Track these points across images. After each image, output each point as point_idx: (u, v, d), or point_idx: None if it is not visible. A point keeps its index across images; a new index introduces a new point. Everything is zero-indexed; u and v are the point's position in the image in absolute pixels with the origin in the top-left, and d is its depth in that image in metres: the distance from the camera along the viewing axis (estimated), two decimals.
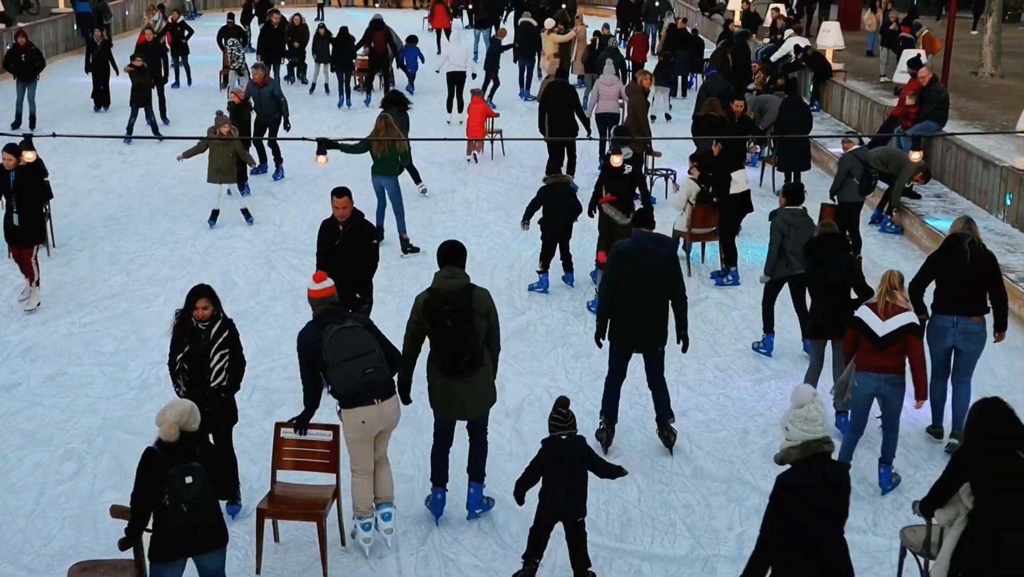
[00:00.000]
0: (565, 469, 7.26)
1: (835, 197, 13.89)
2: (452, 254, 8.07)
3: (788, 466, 5.99)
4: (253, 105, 17.43)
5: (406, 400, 8.16)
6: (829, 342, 9.80)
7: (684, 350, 9.28)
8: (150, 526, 6.54)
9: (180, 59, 25.32)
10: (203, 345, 7.89)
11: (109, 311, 12.37)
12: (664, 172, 16.84)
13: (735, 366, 11.10)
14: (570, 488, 7.27)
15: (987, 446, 6.15)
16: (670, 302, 9.06)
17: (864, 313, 8.57)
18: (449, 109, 21.99)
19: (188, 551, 6.50)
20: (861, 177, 13.65)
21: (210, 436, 7.97)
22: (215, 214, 15.24)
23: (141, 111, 19.62)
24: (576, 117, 16.96)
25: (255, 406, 9.73)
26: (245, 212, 15.47)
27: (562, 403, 7.40)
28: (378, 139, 13.74)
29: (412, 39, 24.61)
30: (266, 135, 17.38)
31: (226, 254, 14.25)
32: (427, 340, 8.04)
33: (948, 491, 6.33)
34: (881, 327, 8.44)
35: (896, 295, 8.53)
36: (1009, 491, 6.03)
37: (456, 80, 21.80)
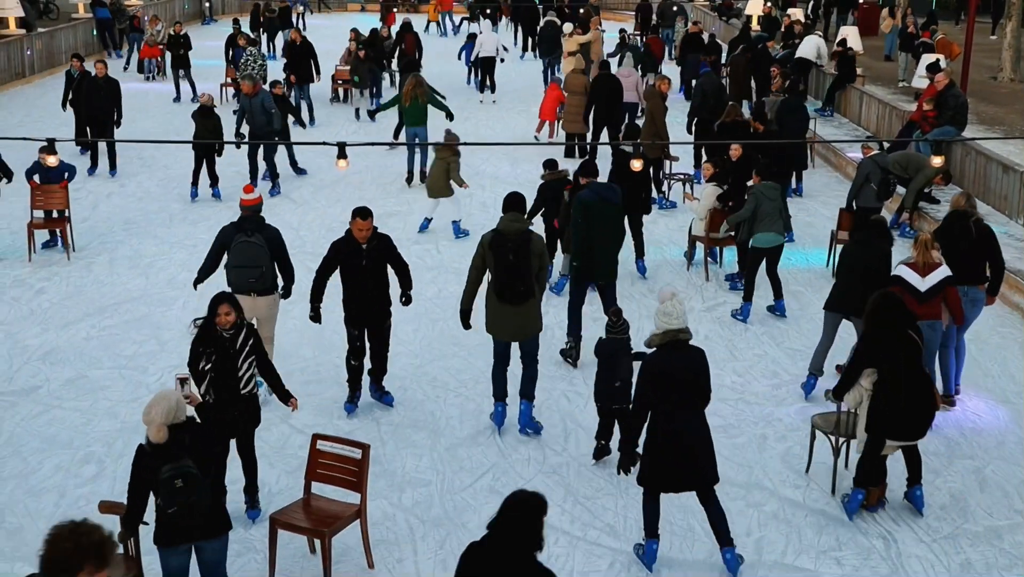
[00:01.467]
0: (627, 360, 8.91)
1: (854, 203, 13.85)
2: (515, 203, 9.63)
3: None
4: (246, 116, 16.87)
5: (466, 324, 9.77)
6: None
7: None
8: (147, 518, 6.60)
9: (182, 73, 24.29)
10: (230, 353, 7.91)
11: (128, 315, 12.42)
12: (682, 176, 16.84)
13: (753, 371, 11.07)
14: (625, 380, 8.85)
15: (888, 327, 8.05)
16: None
17: (904, 272, 9.56)
18: (481, 90, 25.18)
19: (189, 538, 6.54)
20: (879, 183, 13.61)
21: (232, 441, 8.07)
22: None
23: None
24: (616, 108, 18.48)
25: (272, 410, 9.75)
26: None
27: (615, 312, 9.11)
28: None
29: (471, 35, 27.94)
30: (259, 149, 16.98)
31: None
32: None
33: (854, 376, 8.14)
34: (922, 283, 9.50)
35: (932, 254, 9.60)
36: (907, 360, 7.99)
37: (487, 65, 24.95)
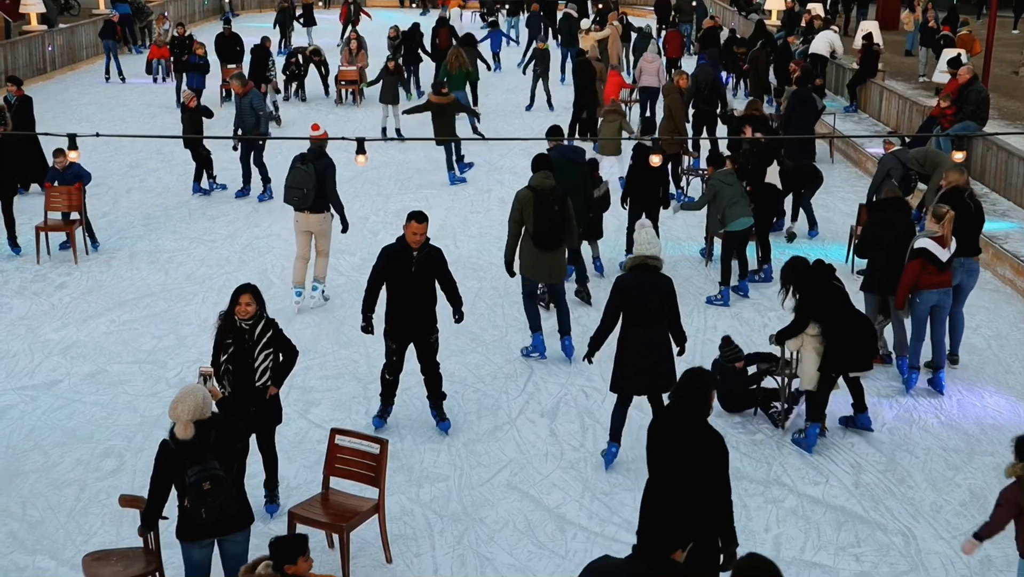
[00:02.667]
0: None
1: (874, 198, 13.77)
2: (543, 163, 11.03)
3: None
4: (238, 116, 16.44)
5: (511, 272, 11.08)
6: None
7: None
8: (166, 513, 6.65)
9: (185, 77, 22.36)
10: (247, 345, 7.93)
11: (148, 309, 12.48)
12: (700, 171, 16.80)
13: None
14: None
15: (817, 286, 9.22)
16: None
17: (929, 244, 10.11)
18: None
19: (213, 534, 6.58)
20: (900, 178, 13.53)
21: (253, 436, 8.08)
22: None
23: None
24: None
25: (291, 405, 9.78)
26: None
27: (726, 341, 10.18)
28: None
29: (494, 24, 28.44)
30: (250, 151, 16.51)
31: (263, 253, 14.34)
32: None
33: (797, 330, 9.24)
34: (944, 253, 10.13)
35: (944, 228, 10.22)
36: (843, 306, 9.23)
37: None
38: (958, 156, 11.94)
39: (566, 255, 11.20)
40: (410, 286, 9.27)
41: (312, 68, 23.95)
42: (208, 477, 6.36)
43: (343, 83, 23.74)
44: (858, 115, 22.28)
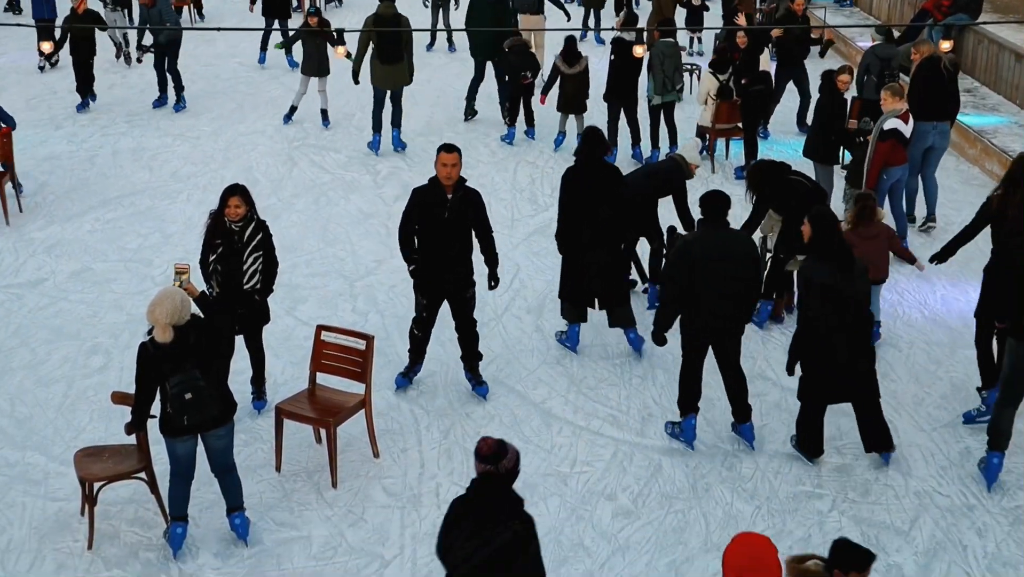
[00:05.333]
0: None
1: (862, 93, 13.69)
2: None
3: None
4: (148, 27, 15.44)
5: (356, 80, 13.62)
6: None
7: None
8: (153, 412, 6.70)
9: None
10: (236, 247, 7.87)
11: (132, 208, 12.40)
12: (689, 67, 16.61)
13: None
14: None
15: (774, 181, 9.42)
16: None
17: (897, 123, 10.62)
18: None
19: (195, 432, 6.63)
20: (878, 74, 13.42)
21: (241, 336, 8.09)
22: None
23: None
24: None
25: (278, 303, 9.78)
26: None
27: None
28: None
29: None
30: (163, 58, 15.54)
31: (248, 151, 14.21)
32: None
33: (751, 226, 9.51)
34: (907, 129, 10.72)
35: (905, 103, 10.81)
36: (801, 201, 9.11)
37: None
38: (945, 45, 11.89)
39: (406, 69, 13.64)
40: (444, 234, 8.18)
41: None
42: (190, 388, 6.39)
43: None
44: (850, 8, 21.98)
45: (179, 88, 15.86)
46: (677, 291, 7.72)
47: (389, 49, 13.36)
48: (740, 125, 13.27)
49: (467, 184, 8.27)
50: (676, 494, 7.51)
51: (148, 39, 16.02)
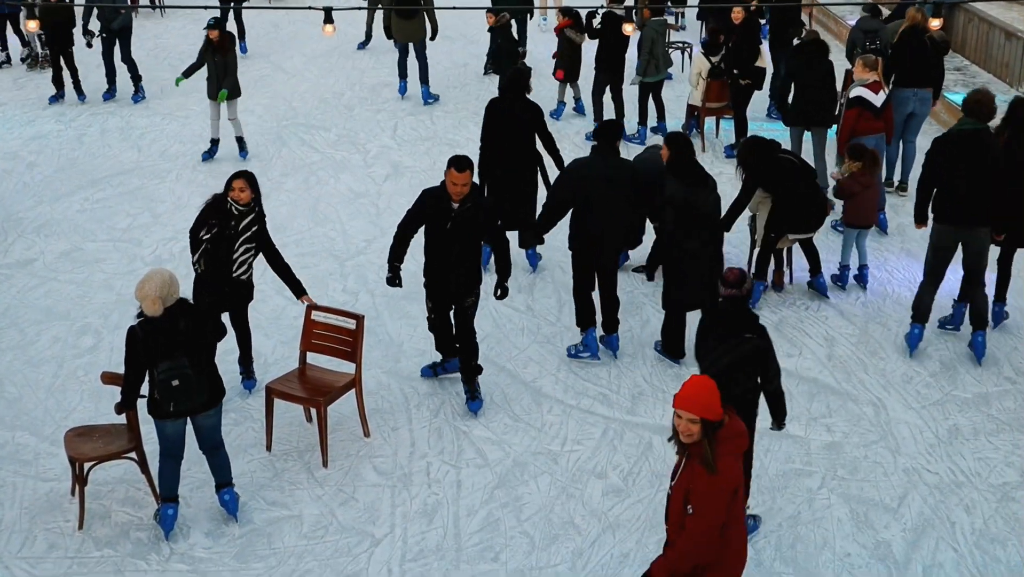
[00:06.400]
0: None
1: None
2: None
3: None
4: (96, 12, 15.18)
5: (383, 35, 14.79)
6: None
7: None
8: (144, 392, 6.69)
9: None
10: (229, 232, 7.84)
11: (122, 187, 12.36)
12: (681, 45, 16.59)
13: (743, 243, 11.04)
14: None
15: (764, 160, 9.47)
16: None
17: (863, 91, 10.80)
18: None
19: (184, 414, 6.65)
20: (863, 47, 13.42)
21: (226, 314, 8.08)
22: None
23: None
24: None
25: (268, 282, 9.76)
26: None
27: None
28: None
29: None
30: (113, 46, 15.11)
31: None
32: None
33: (739, 206, 9.49)
34: (877, 99, 10.83)
35: (878, 75, 11.00)
36: (790, 179, 9.44)
37: None
38: (935, 23, 11.87)
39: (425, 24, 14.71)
40: (446, 242, 7.90)
41: None
42: (178, 375, 6.41)
43: None
44: None
45: (136, 78, 15.26)
46: (560, 200, 8.64)
47: (405, 4, 14.45)
48: (729, 104, 13.25)
49: (479, 197, 7.96)
50: (666, 472, 7.52)
51: (95, 25, 15.17)
